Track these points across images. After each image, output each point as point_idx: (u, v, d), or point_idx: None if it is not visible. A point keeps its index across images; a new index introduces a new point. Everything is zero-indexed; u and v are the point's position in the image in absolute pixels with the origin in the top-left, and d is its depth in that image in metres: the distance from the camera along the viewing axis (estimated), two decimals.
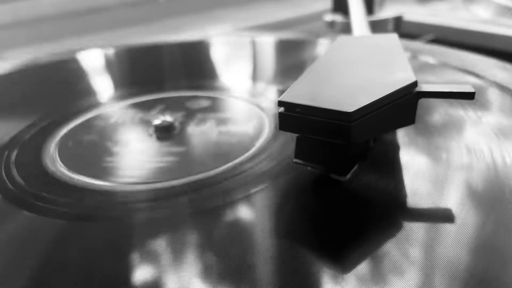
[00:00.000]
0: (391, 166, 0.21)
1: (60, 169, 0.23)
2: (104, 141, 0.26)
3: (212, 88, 0.33)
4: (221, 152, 0.24)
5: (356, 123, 0.17)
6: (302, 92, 0.19)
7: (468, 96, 0.19)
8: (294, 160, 0.20)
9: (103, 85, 0.38)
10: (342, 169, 0.19)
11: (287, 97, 0.18)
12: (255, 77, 0.38)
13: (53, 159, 0.24)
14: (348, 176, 0.19)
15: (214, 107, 0.30)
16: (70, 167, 0.23)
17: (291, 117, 0.18)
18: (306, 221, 0.18)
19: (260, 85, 0.34)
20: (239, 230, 0.18)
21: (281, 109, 0.18)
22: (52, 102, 0.33)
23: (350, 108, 0.17)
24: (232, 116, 0.28)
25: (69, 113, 0.30)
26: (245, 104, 0.30)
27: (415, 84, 0.19)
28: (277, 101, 0.18)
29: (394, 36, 0.26)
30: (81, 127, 0.28)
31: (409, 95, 0.19)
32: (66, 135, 0.27)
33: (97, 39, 0.58)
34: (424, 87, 0.20)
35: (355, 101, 0.17)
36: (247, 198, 0.20)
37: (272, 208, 0.19)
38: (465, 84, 0.20)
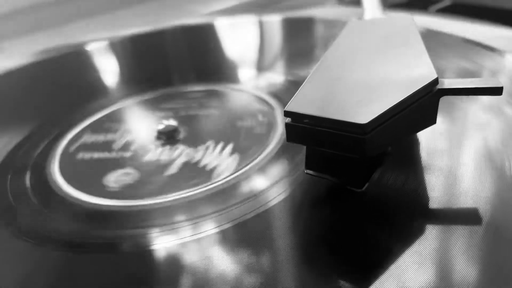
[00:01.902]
0: (412, 167, 0.20)
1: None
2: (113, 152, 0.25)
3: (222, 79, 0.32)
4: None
5: (370, 135, 0.15)
6: (309, 99, 0.17)
7: (495, 92, 0.17)
8: (306, 171, 0.18)
9: (105, 83, 0.36)
10: (358, 181, 0.17)
11: (294, 107, 0.17)
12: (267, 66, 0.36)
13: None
14: (365, 187, 0.18)
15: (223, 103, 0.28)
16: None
17: (299, 128, 0.17)
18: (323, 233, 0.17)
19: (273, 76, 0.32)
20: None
21: (288, 119, 0.17)
22: (49, 111, 0.31)
23: (364, 119, 0.15)
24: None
25: (72, 120, 0.28)
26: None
27: (436, 81, 0.17)
28: (283, 111, 0.17)
29: (408, 19, 0.23)
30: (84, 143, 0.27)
31: (429, 94, 0.17)
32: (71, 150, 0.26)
33: (94, 23, 0.56)
34: (447, 84, 0.18)
35: (369, 108, 0.16)
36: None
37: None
38: (491, 77, 0.18)
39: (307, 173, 0.18)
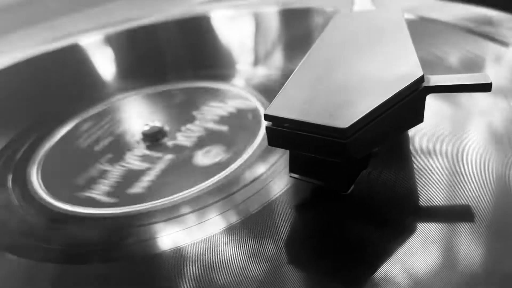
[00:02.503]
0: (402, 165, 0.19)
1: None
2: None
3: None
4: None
5: (352, 138, 0.15)
6: (290, 102, 0.16)
7: (484, 88, 0.17)
8: (290, 174, 0.18)
9: (97, 80, 0.35)
10: (342, 184, 0.17)
11: (274, 110, 0.16)
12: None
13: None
14: (350, 190, 0.17)
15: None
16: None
17: (280, 132, 0.16)
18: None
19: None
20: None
21: (268, 123, 0.16)
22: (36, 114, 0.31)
23: (345, 122, 0.15)
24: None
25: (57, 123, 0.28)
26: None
27: (421, 79, 0.17)
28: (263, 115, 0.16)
29: (397, 12, 0.22)
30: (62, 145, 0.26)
31: (415, 93, 0.17)
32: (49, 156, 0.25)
33: (82, 18, 0.55)
34: (433, 80, 0.17)
35: (351, 111, 0.15)
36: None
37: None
38: (479, 73, 0.17)
39: (291, 177, 0.18)
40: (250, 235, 0.17)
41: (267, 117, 0.16)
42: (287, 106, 0.16)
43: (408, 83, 0.16)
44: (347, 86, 0.17)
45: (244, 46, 0.37)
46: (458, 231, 0.16)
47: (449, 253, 0.15)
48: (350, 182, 0.17)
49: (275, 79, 0.29)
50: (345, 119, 0.15)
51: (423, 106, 0.17)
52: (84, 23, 0.48)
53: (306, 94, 0.17)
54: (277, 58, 0.34)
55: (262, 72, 0.31)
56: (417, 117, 0.17)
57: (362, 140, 0.15)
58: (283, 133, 0.16)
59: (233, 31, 0.41)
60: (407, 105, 0.16)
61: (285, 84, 0.18)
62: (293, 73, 0.18)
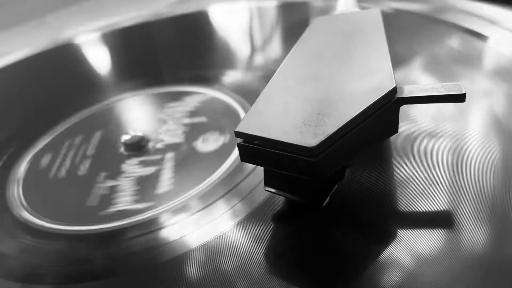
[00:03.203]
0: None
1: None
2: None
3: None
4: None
5: (321, 156, 0.15)
6: (261, 118, 0.16)
7: (458, 99, 0.16)
8: (265, 188, 0.18)
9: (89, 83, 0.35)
10: (316, 198, 0.17)
11: (244, 127, 0.16)
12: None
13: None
14: (325, 202, 0.17)
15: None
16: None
17: (251, 149, 0.16)
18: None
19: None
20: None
21: (240, 139, 0.16)
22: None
23: (313, 141, 0.14)
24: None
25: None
26: None
27: (394, 90, 0.16)
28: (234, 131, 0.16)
29: (376, 13, 0.22)
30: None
31: (388, 105, 0.16)
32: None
33: (72, 12, 0.54)
34: (406, 91, 0.17)
35: (320, 128, 0.15)
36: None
37: None
38: (453, 83, 0.17)
39: (266, 190, 0.18)
40: None
41: (237, 134, 0.16)
42: (257, 122, 0.16)
43: (380, 96, 0.16)
44: (319, 99, 0.16)
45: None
46: (437, 234, 0.16)
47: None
48: (323, 196, 0.17)
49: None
50: (314, 136, 0.15)
51: (397, 117, 0.17)
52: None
53: (276, 109, 0.16)
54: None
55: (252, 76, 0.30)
56: (392, 128, 0.17)
57: (332, 157, 0.15)
58: (254, 150, 0.16)
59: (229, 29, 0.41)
60: (380, 117, 0.16)
61: (257, 99, 0.17)
62: (266, 86, 0.18)
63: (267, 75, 0.28)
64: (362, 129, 0.16)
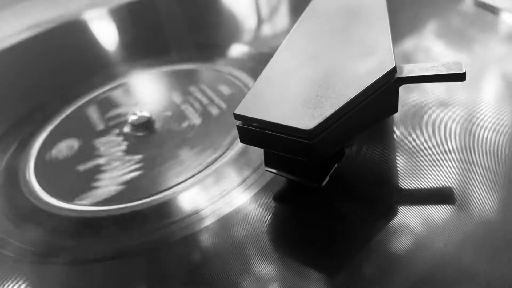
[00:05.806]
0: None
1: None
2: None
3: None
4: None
5: (319, 138, 0.15)
6: (260, 100, 0.16)
7: (458, 78, 0.16)
8: (265, 168, 0.18)
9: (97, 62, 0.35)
10: (316, 178, 0.17)
11: (243, 109, 0.16)
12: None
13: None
14: (324, 182, 0.17)
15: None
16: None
17: (250, 131, 0.16)
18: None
19: None
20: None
21: (239, 122, 0.16)
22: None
23: (310, 123, 0.15)
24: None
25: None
26: None
27: (394, 70, 0.16)
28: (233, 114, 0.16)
29: None
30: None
31: (387, 85, 0.16)
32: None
33: None
34: (406, 70, 0.17)
35: (317, 110, 0.15)
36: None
37: None
38: (453, 62, 0.16)
39: (266, 171, 0.18)
40: None
41: (236, 116, 0.16)
42: (256, 105, 0.16)
43: (380, 76, 0.16)
44: (318, 80, 0.16)
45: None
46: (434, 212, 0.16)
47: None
48: (323, 176, 0.17)
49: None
50: (311, 119, 0.15)
51: (397, 96, 0.17)
52: None
53: (275, 92, 0.17)
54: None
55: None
56: (391, 108, 0.17)
57: (330, 139, 0.15)
58: (253, 132, 0.16)
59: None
60: (379, 98, 0.16)
61: (256, 80, 0.17)
62: (265, 68, 0.18)
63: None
64: (359, 111, 0.16)
